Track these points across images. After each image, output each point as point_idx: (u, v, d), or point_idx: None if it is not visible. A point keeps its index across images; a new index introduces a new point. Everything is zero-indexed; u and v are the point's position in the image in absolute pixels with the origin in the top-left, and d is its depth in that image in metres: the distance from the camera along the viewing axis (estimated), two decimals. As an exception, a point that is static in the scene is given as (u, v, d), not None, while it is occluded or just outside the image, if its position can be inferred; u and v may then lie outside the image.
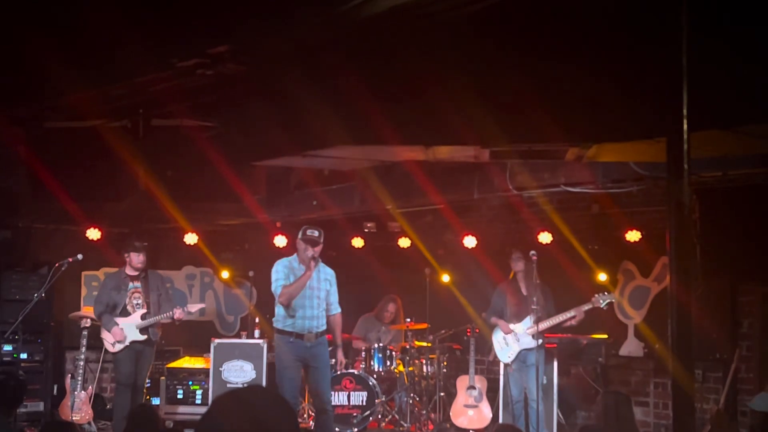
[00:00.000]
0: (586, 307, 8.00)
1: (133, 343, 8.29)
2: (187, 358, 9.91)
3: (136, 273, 8.50)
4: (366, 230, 10.33)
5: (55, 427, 6.27)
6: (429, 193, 8.11)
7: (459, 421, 8.93)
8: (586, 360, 9.20)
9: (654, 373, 8.89)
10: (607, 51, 4.59)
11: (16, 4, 5.10)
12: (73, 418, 8.42)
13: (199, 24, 4.98)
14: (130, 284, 8.47)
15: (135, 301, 8.43)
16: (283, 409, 2.06)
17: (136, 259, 8.43)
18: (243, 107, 6.32)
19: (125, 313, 8.37)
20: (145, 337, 8.33)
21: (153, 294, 8.51)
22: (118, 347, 8.27)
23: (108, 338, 8.29)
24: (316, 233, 7.27)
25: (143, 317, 8.35)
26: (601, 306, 7.98)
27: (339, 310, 7.65)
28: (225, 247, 10.73)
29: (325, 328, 7.48)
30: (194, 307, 8.77)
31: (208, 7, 4.88)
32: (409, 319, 9.35)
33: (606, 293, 8.05)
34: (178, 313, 8.42)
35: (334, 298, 7.60)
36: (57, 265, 8.12)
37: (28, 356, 9.44)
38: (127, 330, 8.28)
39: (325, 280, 7.51)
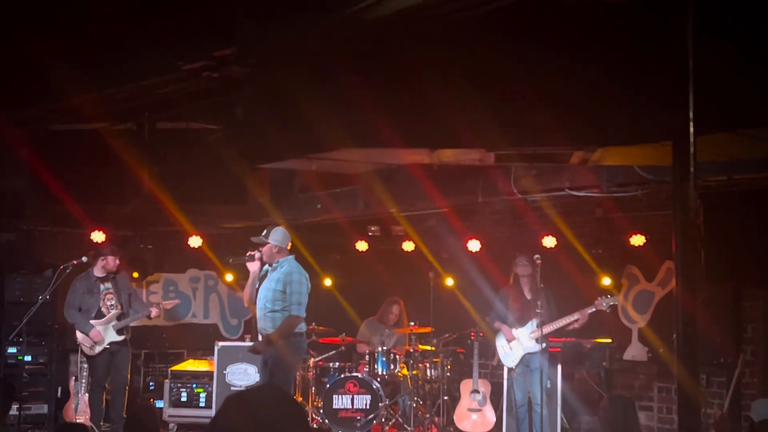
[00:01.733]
0: (590, 310, 7.98)
1: (111, 344, 8.33)
2: (191, 361, 9.91)
3: (105, 275, 8.55)
4: (370, 234, 10.32)
5: (70, 429, 6.26)
6: (433, 197, 8.10)
7: (462, 424, 8.91)
8: (589, 364, 9.18)
9: (658, 377, 8.86)
10: (612, 53, 4.59)
11: (20, 5, 5.11)
12: (77, 420, 8.41)
13: (205, 26, 4.99)
14: (102, 286, 8.51)
15: (109, 303, 8.49)
16: (293, 409, 2.06)
17: (113, 262, 8.55)
18: (248, 110, 6.32)
19: (100, 315, 8.41)
20: (122, 337, 8.40)
21: (123, 294, 8.59)
22: (97, 350, 8.30)
23: (86, 341, 8.30)
24: (263, 233, 7.20)
25: (119, 318, 8.41)
26: (604, 308, 7.97)
27: (293, 312, 6.93)
28: (229, 251, 10.71)
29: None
30: (169, 304, 9.06)
31: (214, 9, 4.89)
32: (413, 323, 9.35)
33: (608, 296, 8.04)
34: (154, 312, 8.64)
35: (290, 299, 6.95)
36: (62, 267, 8.12)
37: (32, 359, 9.46)
38: (104, 332, 8.31)
39: (277, 281, 7.02)
